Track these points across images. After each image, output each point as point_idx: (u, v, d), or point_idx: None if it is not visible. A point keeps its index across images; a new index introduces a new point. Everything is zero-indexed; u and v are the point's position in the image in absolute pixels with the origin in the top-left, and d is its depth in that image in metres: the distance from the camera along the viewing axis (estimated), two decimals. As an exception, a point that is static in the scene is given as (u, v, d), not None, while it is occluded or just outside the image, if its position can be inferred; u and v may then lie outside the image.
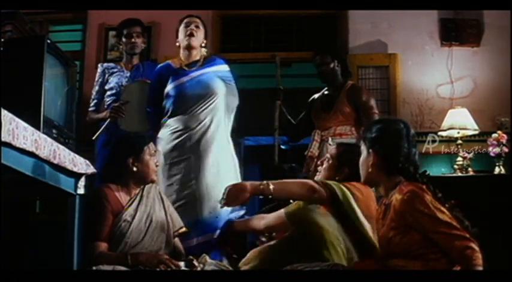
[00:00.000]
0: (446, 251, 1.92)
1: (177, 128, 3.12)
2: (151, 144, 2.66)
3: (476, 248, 1.89)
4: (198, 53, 3.26)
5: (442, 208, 1.98)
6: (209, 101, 3.13)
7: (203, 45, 3.30)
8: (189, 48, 3.23)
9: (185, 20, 3.27)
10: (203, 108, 3.12)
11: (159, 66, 3.36)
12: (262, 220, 2.73)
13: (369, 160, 2.13)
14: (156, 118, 3.24)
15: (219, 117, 3.16)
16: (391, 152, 2.10)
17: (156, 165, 2.65)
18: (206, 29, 3.34)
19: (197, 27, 3.23)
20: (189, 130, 3.10)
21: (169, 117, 3.16)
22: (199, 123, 3.10)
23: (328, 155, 2.60)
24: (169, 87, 3.18)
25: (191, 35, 3.21)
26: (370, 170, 2.12)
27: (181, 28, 3.26)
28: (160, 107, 3.23)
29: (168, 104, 3.18)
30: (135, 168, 2.57)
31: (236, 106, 3.27)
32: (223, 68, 3.29)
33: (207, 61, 3.26)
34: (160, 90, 3.22)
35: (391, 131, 2.14)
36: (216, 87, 3.17)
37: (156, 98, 3.26)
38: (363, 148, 2.18)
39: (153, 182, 2.63)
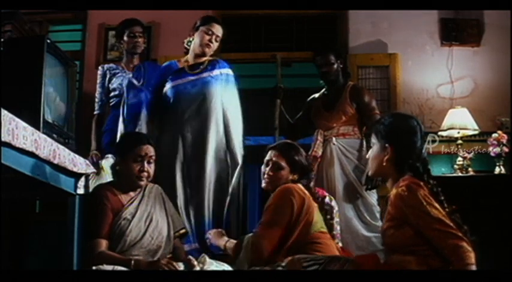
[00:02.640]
0: (438, 249, 1.93)
1: (171, 130, 3.10)
2: (143, 148, 2.55)
3: (469, 247, 1.89)
4: (205, 57, 3.24)
5: (436, 204, 1.99)
6: (203, 104, 3.10)
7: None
8: (200, 53, 3.20)
9: (209, 27, 3.16)
10: (196, 111, 3.09)
11: (164, 65, 3.31)
12: None
13: (384, 154, 2.14)
14: (148, 121, 3.18)
15: (215, 121, 3.11)
16: (407, 147, 2.13)
17: (141, 170, 2.53)
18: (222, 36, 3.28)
19: (216, 40, 3.18)
20: (182, 133, 3.08)
21: (165, 119, 3.14)
22: (193, 127, 3.09)
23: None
24: (166, 88, 3.17)
25: (208, 46, 3.17)
26: (384, 164, 2.14)
27: (201, 32, 3.17)
28: (155, 110, 3.19)
29: (164, 105, 3.16)
30: (117, 168, 2.58)
31: (236, 110, 3.22)
32: (224, 71, 3.23)
33: (210, 64, 3.22)
34: (160, 91, 3.20)
35: (407, 126, 2.17)
36: (212, 90, 3.12)
37: (154, 98, 3.22)
38: (375, 142, 2.19)
39: (138, 186, 2.57)
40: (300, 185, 2.60)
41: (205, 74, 3.17)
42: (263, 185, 2.69)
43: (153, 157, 2.59)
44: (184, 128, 3.09)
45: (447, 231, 1.92)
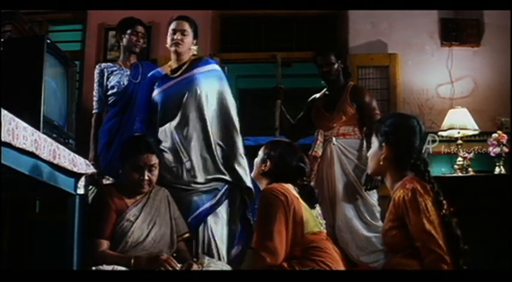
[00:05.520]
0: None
1: (166, 135, 3.05)
2: (141, 158, 2.52)
3: (446, 267, 1.90)
4: (187, 56, 3.20)
5: (433, 217, 1.98)
6: (191, 102, 3.04)
7: (193, 46, 3.21)
8: (176, 53, 3.18)
9: (172, 26, 3.17)
10: (181, 111, 3.03)
11: (149, 74, 3.28)
12: None
13: (381, 153, 2.15)
14: (145, 128, 3.13)
15: (198, 118, 3.04)
16: (405, 147, 2.13)
17: (141, 179, 2.51)
18: (196, 28, 3.23)
19: (183, 34, 3.15)
20: (177, 135, 3.03)
21: (159, 126, 3.10)
22: (179, 127, 3.04)
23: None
24: (154, 94, 3.14)
25: (177, 44, 3.14)
26: (381, 162, 2.15)
27: (169, 33, 3.19)
28: (149, 116, 3.15)
29: (157, 113, 3.12)
30: (120, 171, 2.58)
31: (229, 104, 3.12)
32: (210, 68, 3.17)
33: (194, 64, 3.17)
34: (148, 99, 3.17)
35: (405, 126, 2.17)
36: (193, 88, 3.06)
37: (143, 107, 3.19)
38: (374, 141, 2.20)
39: (140, 192, 2.57)
40: (282, 184, 2.48)
41: (186, 75, 3.12)
42: None
43: (155, 165, 2.56)
44: (172, 129, 3.04)
45: (430, 248, 1.92)
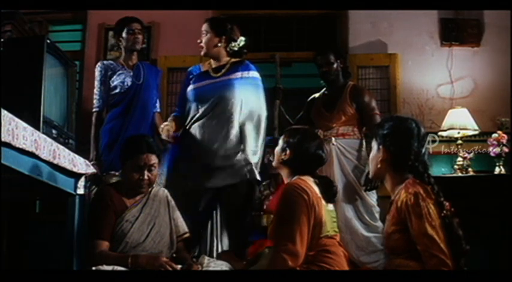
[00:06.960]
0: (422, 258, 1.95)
1: (188, 131, 3.11)
2: (141, 158, 2.49)
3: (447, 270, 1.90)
4: (223, 58, 3.21)
5: (435, 221, 1.98)
6: (218, 106, 3.07)
7: (220, 45, 3.20)
8: (212, 58, 3.23)
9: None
10: (212, 112, 3.07)
11: (189, 69, 3.32)
12: None
13: (379, 156, 2.15)
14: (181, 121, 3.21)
15: (230, 122, 3.06)
16: (402, 149, 2.12)
17: (140, 179, 2.50)
18: (217, 26, 3.22)
19: (203, 35, 3.20)
20: (198, 134, 3.07)
21: (188, 122, 3.14)
22: (208, 128, 3.06)
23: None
24: (188, 89, 3.19)
25: (200, 46, 3.21)
26: (379, 165, 2.14)
27: None
28: (184, 109, 3.23)
29: (187, 108, 3.18)
30: (120, 171, 2.58)
31: (256, 112, 3.12)
32: (248, 74, 3.18)
33: (232, 67, 3.18)
34: (185, 93, 3.24)
35: (402, 128, 2.16)
36: (229, 92, 3.08)
37: (181, 101, 3.27)
38: (374, 144, 2.20)
39: (140, 192, 2.56)
40: (305, 180, 2.42)
41: (225, 77, 3.14)
42: None
43: (155, 164, 2.54)
44: (200, 129, 3.08)
45: (432, 253, 1.92)
